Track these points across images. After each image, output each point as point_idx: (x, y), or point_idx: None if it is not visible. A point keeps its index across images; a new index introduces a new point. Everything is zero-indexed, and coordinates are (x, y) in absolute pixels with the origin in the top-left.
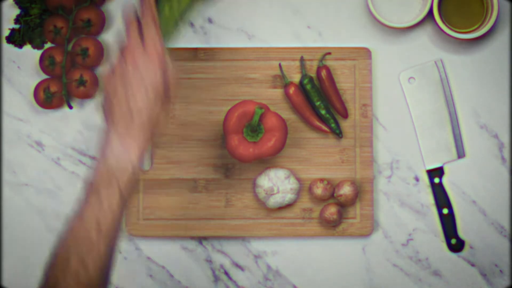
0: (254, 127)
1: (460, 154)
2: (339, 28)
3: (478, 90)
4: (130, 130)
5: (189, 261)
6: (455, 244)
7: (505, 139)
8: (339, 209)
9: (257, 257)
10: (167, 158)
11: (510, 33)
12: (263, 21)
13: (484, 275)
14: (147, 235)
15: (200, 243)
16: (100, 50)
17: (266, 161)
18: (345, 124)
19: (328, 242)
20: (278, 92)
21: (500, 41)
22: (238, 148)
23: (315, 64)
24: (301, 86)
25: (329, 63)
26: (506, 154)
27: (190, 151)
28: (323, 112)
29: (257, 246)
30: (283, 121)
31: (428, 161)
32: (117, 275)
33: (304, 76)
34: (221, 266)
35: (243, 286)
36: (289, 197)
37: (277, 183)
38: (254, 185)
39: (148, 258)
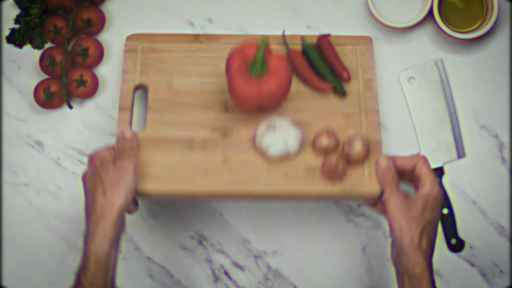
0: (258, 63)
1: (460, 154)
2: (339, 28)
3: (478, 90)
4: (97, 222)
5: (189, 261)
6: (455, 244)
7: (505, 139)
8: (340, 158)
9: (257, 257)
10: (162, 121)
11: (510, 33)
12: (263, 21)
13: (484, 275)
14: (139, 189)
15: (200, 243)
16: (100, 50)
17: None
18: (350, 95)
19: (328, 242)
20: None
21: (500, 41)
22: (242, 87)
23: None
24: (303, 53)
25: None
26: (506, 154)
27: (187, 115)
28: (325, 73)
29: (257, 246)
30: (287, 64)
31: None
32: (117, 275)
33: (305, 44)
34: (221, 266)
35: (243, 286)
36: (291, 142)
37: (278, 124)
38: (254, 137)
39: (148, 258)
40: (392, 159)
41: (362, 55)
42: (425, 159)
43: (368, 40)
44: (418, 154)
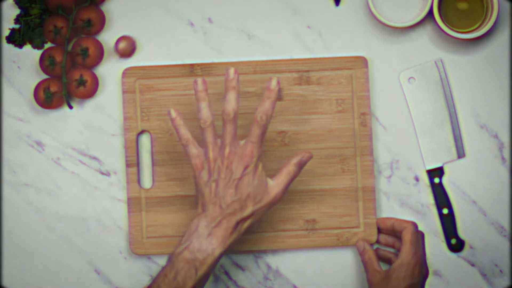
0: None
1: (460, 154)
2: (339, 28)
3: (478, 90)
4: (218, 219)
5: None
6: (455, 244)
7: (505, 139)
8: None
9: (257, 257)
10: (168, 175)
11: (510, 33)
12: (263, 21)
13: (484, 275)
14: (151, 253)
15: None
16: (100, 50)
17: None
18: (344, 134)
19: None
20: (276, 105)
21: (500, 41)
22: None
23: (312, 75)
24: None
25: (325, 73)
26: (506, 154)
27: (189, 169)
28: None
29: None
30: None
31: (428, 161)
32: (117, 275)
33: None
34: (221, 266)
35: (243, 286)
36: None
37: None
38: None
39: (148, 258)
40: (385, 220)
41: (357, 82)
42: (413, 225)
43: (363, 61)
44: (411, 221)
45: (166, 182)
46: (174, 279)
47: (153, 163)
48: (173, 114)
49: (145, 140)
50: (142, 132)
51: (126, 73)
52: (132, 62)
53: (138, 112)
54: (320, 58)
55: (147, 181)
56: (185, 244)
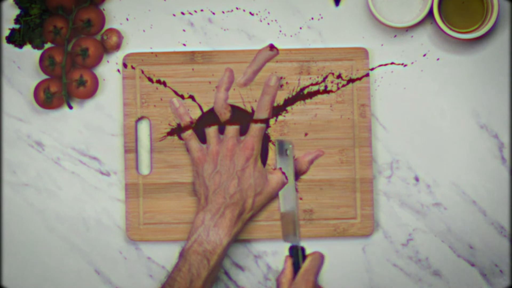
0: None
1: None
2: (339, 28)
3: (478, 90)
4: (222, 210)
5: None
6: None
7: (505, 139)
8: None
9: (257, 257)
10: (166, 162)
11: (510, 33)
12: (263, 21)
13: (484, 275)
14: (148, 239)
15: None
16: (100, 50)
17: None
18: (344, 125)
19: (328, 241)
20: (278, 94)
21: (500, 41)
22: None
23: (313, 65)
24: None
25: (326, 64)
26: (506, 154)
27: (187, 155)
28: None
29: (257, 246)
30: None
31: None
32: (117, 275)
33: None
34: (221, 266)
35: (243, 286)
36: None
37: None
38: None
39: (148, 258)
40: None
41: (358, 73)
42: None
43: (364, 53)
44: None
45: (164, 169)
46: (189, 271)
47: (152, 150)
48: (177, 103)
49: (144, 126)
50: (141, 118)
51: (127, 59)
52: (132, 49)
53: (138, 98)
54: (321, 49)
55: (145, 168)
56: (193, 238)
